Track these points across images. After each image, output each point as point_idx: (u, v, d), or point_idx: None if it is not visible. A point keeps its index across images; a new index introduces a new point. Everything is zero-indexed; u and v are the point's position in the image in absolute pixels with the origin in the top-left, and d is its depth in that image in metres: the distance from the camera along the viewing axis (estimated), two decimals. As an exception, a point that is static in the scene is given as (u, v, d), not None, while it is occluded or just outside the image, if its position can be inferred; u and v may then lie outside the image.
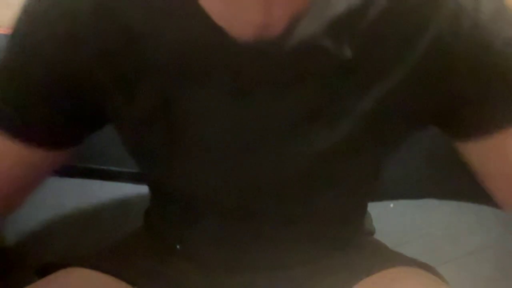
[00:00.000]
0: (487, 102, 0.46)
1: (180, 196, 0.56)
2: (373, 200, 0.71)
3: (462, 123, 0.48)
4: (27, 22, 0.47)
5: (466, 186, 0.91)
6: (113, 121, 0.53)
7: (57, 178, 0.94)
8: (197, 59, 0.45)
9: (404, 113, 0.48)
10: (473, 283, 0.74)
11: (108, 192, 0.91)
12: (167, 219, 0.62)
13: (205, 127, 0.49)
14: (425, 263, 0.57)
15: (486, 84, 0.45)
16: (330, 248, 0.59)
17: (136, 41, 0.45)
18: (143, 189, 0.65)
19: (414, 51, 0.44)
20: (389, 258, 0.59)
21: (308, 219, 0.56)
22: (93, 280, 0.53)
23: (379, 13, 0.44)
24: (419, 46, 0.44)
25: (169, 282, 0.57)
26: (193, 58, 0.45)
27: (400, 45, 0.45)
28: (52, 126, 0.50)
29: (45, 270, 0.54)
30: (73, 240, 0.79)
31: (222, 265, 0.58)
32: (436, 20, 0.44)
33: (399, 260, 0.57)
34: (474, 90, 0.45)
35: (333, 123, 0.47)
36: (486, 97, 0.46)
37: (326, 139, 0.48)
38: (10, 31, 0.47)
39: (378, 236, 0.70)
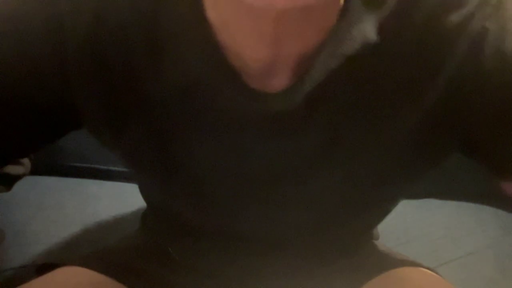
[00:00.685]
0: None
1: (175, 219, 0.56)
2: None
3: (497, 158, 0.42)
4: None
5: (466, 186, 0.91)
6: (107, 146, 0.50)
7: (57, 178, 0.95)
8: (201, 94, 0.42)
9: (426, 147, 0.43)
10: (473, 283, 0.74)
11: (108, 192, 0.91)
12: (161, 229, 0.61)
13: (202, 165, 0.46)
14: (425, 266, 0.57)
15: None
16: (334, 258, 0.59)
17: (137, 74, 0.41)
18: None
19: (432, 88, 0.40)
20: (390, 259, 0.59)
21: (319, 246, 0.55)
22: (88, 280, 0.53)
23: (396, 49, 0.40)
24: (437, 82, 0.40)
25: (164, 284, 0.57)
26: (198, 92, 0.42)
27: (417, 83, 0.41)
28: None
29: (44, 270, 0.54)
30: (73, 240, 0.79)
31: (218, 275, 0.58)
32: (455, 54, 0.39)
33: (399, 261, 0.57)
34: (504, 123, 0.40)
35: (342, 169, 0.44)
36: None
37: (333, 187, 0.45)
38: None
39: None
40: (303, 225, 0.49)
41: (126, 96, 0.42)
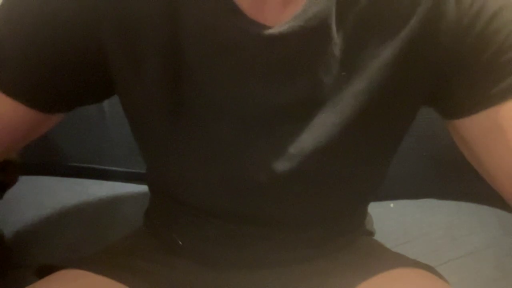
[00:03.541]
0: (475, 75, 0.47)
1: (178, 193, 0.56)
2: (373, 200, 0.71)
3: (455, 97, 0.49)
4: None
5: (466, 186, 0.91)
6: (120, 93, 0.53)
7: (57, 178, 0.95)
8: (210, 32, 0.47)
9: (399, 92, 0.49)
10: (473, 283, 0.74)
11: (108, 192, 0.91)
12: (166, 219, 0.62)
13: (209, 106, 0.50)
14: (425, 264, 0.57)
15: (471, 56, 0.46)
16: (331, 244, 0.59)
17: (154, 17, 0.47)
18: (142, 189, 0.65)
19: (405, 28, 0.47)
20: (390, 259, 0.59)
21: (310, 216, 0.56)
22: (91, 283, 0.53)
23: None
24: (410, 23, 0.47)
25: (168, 283, 0.57)
26: (207, 31, 0.47)
27: (396, 20, 0.47)
28: (53, 91, 0.50)
29: (44, 271, 0.54)
30: (73, 240, 0.79)
31: (223, 263, 0.58)
32: None
33: (399, 261, 0.57)
34: (461, 62, 0.47)
35: (333, 110, 0.49)
36: (473, 70, 0.47)
37: (326, 127, 0.49)
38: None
39: (378, 236, 0.70)
40: (304, 170, 0.51)
41: (145, 41, 0.48)
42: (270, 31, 0.45)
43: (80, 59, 0.49)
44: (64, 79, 0.49)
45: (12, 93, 0.48)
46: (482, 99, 0.47)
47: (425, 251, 0.80)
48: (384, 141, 0.54)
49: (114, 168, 0.96)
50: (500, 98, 0.46)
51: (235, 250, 0.58)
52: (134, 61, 0.49)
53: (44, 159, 0.97)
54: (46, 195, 0.89)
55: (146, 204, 0.67)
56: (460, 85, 0.48)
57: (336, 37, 0.47)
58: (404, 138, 0.55)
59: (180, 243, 0.60)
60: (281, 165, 0.51)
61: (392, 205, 0.91)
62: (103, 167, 0.96)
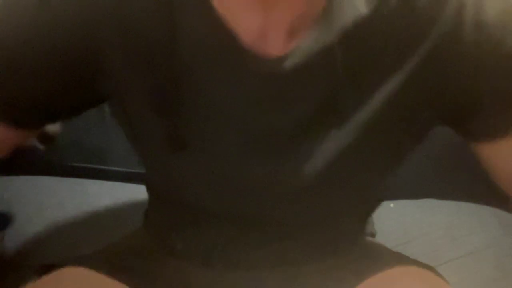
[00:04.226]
0: (497, 104, 0.45)
1: (178, 198, 0.56)
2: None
3: (473, 125, 0.47)
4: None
5: (466, 186, 0.91)
6: (116, 105, 0.52)
7: (57, 178, 0.95)
8: (205, 58, 0.46)
9: (410, 116, 0.47)
10: (473, 283, 0.74)
11: (108, 192, 0.91)
12: (165, 220, 0.62)
13: (207, 124, 0.49)
14: (425, 264, 0.57)
15: (494, 86, 0.44)
16: (332, 247, 0.59)
17: (147, 31, 0.46)
18: (143, 189, 0.65)
19: (417, 54, 0.44)
20: (390, 258, 0.59)
21: (312, 222, 0.56)
22: (90, 281, 0.53)
23: (384, 19, 0.44)
24: (421, 49, 0.44)
25: (167, 283, 0.57)
26: (201, 57, 0.46)
27: (403, 49, 0.44)
28: (40, 108, 0.48)
29: (44, 271, 0.54)
30: (73, 240, 0.79)
31: (223, 264, 0.58)
32: (438, 23, 0.43)
33: (400, 261, 0.57)
34: (481, 92, 0.44)
35: (338, 131, 0.47)
36: (495, 98, 0.44)
37: (329, 148, 0.48)
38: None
39: (378, 236, 0.70)
40: (302, 187, 0.51)
41: (142, 67, 0.46)
42: (271, 68, 0.44)
43: (74, 73, 0.47)
44: (53, 91, 0.48)
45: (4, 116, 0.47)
46: (504, 126, 0.45)
47: (425, 251, 0.80)
48: (386, 164, 0.53)
49: (114, 168, 0.96)
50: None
51: (235, 252, 0.58)
52: (134, 79, 0.47)
53: (44, 159, 0.97)
54: (46, 195, 0.89)
55: (146, 204, 0.67)
56: (480, 111, 0.45)
57: (340, 68, 0.45)
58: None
59: (179, 248, 0.60)
60: (283, 182, 0.50)
61: (392, 205, 0.91)
62: (103, 167, 0.96)
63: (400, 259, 0.58)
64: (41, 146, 0.75)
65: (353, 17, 0.43)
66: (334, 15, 0.43)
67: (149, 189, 0.63)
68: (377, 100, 0.46)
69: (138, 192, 0.91)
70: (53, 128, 0.74)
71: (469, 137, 0.48)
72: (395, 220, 0.87)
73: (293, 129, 0.48)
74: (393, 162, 0.53)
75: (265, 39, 0.44)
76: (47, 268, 0.54)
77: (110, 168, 0.97)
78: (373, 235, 0.69)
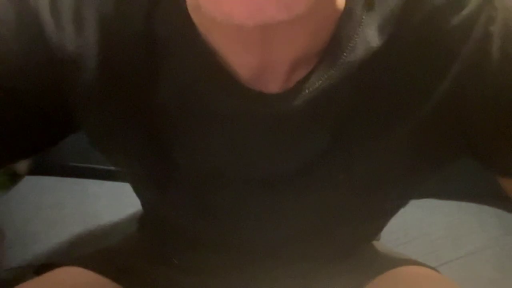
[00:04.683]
0: None
1: (172, 227, 0.55)
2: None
3: (500, 159, 0.41)
4: None
5: (466, 186, 0.91)
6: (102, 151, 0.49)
7: (57, 178, 0.95)
8: (199, 98, 0.41)
9: (430, 151, 0.43)
10: (473, 283, 0.74)
11: (108, 192, 0.91)
12: (158, 234, 0.61)
13: (202, 169, 0.45)
14: (426, 264, 0.57)
15: None
16: (335, 261, 0.58)
17: (136, 82, 0.41)
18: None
19: (436, 90, 0.40)
20: (391, 259, 0.59)
21: (321, 251, 0.54)
22: (87, 280, 0.53)
23: (399, 52, 0.39)
24: (441, 85, 0.39)
25: (165, 285, 0.57)
26: (196, 97, 0.41)
27: (420, 85, 0.40)
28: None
29: (44, 270, 0.54)
30: (73, 240, 0.79)
31: (218, 273, 0.58)
32: (460, 57, 0.39)
33: (402, 261, 0.57)
34: (507, 125, 0.39)
35: (345, 175, 0.43)
36: None
37: (335, 194, 0.45)
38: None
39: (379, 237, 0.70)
40: (304, 228, 0.49)
41: (126, 104, 0.42)
42: (270, 107, 0.40)
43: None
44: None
45: None
46: None
47: (425, 251, 0.80)
48: (393, 202, 0.50)
49: (114, 168, 0.96)
50: None
51: (231, 262, 0.57)
52: (116, 124, 0.43)
53: (44, 159, 0.97)
54: (46, 195, 0.89)
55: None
56: (506, 144, 0.40)
57: (348, 106, 0.40)
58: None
59: (175, 261, 0.60)
60: (280, 229, 0.49)
61: (392, 205, 0.91)
62: (103, 167, 0.96)
63: (401, 259, 0.58)
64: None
65: (364, 50, 0.38)
66: (342, 49, 0.38)
67: (141, 204, 0.63)
68: (390, 141, 0.42)
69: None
70: (21, 166, 0.73)
71: (498, 172, 0.43)
72: (395, 220, 0.87)
73: (296, 173, 0.44)
74: (402, 200, 0.50)
75: (264, 77, 0.39)
76: (46, 268, 0.54)
77: (110, 168, 0.96)
78: (377, 239, 0.68)
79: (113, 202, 0.89)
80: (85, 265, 0.54)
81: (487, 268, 0.77)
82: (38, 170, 0.96)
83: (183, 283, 0.58)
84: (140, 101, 0.42)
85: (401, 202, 0.51)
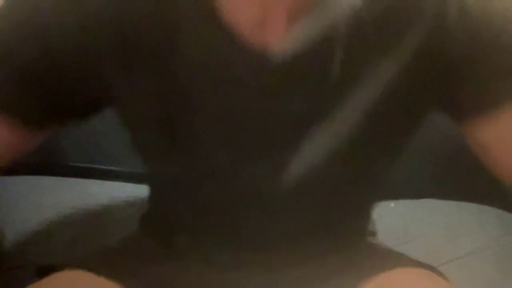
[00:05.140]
0: (483, 79, 0.47)
1: (181, 192, 0.57)
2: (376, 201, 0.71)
3: (463, 102, 0.49)
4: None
5: (466, 186, 0.91)
6: (118, 112, 0.53)
7: (57, 178, 0.95)
8: (204, 56, 0.47)
9: (406, 104, 0.49)
10: (473, 283, 0.74)
11: (108, 192, 0.91)
12: (167, 220, 0.62)
13: (209, 122, 0.50)
14: (427, 264, 0.57)
15: (478, 62, 0.46)
16: (335, 246, 0.59)
17: (152, 43, 0.47)
18: (142, 189, 0.65)
19: (407, 43, 0.47)
20: (392, 259, 0.59)
21: (312, 224, 0.56)
22: (89, 283, 0.53)
23: (376, 11, 0.46)
24: (411, 38, 0.46)
25: (166, 284, 0.57)
26: (201, 55, 0.47)
27: (395, 39, 0.47)
28: (45, 107, 0.50)
29: (44, 271, 0.54)
30: (73, 240, 0.79)
31: (223, 262, 0.58)
32: (425, 13, 0.46)
33: (401, 261, 0.57)
34: (469, 68, 0.47)
35: (334, 122, 0.49)
36: (482, 73, 0.47)
37: (329, 137, 0.49)
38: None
39: (378, 236, 0.70)
40: (304, 174, 0.51)
41: (142, 69, 0.48)
42: (271, 59, 0.45)
43: (75, 75, 0.48)
44: (58, 93, 0.49)
45: (8, 111, 0.48)
46: (491, 101, 0.47)
47: (425, 251, 0.79)
48: (386, 150, 0.53)
49: (114, 168, 0.96)
50: (506, 100, 0.46)
51: (237, 251, 0.58)
52: (131, 81, 0.48)
53: (44, 159, 0.97)
54: (46, 195, 0.89)
55: (146, 205, 0.67)
56: (470, 89, 0.48)
57: (339, 53, 0.46)
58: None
59: (181, 248, 0.60)
60: (284, 178, 0.51)
61: (392, 205, 0.91)
62: (103, 167, 0.96)
63: (401, 260, 0.58)
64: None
65: (349, 6, 0.45)
66: (330, 4, 0.45)
67: (151, 187, 0.63)
68: (373, 89, 0.48)
69: (138, 192, 0.91)
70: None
71: (459, 114, 0.50)
72: (395, 220, 0.87)
73: (291, 120, 0.49)
74: (390, 153, 0.54)
75: (265, 28, 0.45)
76: (46, 269, 0.54)
77: (110, 168, 0.97)
78: (373, 234, 0.69)
79: (113, 202, 0.89)
80: (87, 268, 0.54)
81: (486, 268, 0.77)
82: (38, 170, 0.96)
83: (185, 278, 0.58)
84: (154, 60, 0.47)
85: (387, 160, 0.55)
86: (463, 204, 0.91)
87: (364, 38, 0.46)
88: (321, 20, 0.45)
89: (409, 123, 0.52)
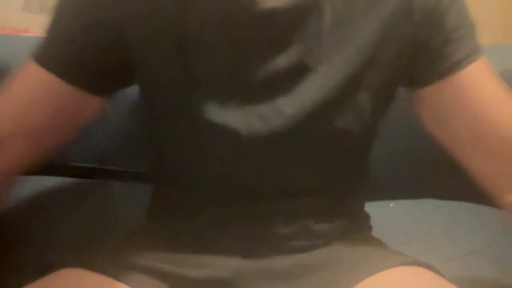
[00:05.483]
0: (436, 49, 0.56)
1: (185, 176, 0.60)
2: (369, 199, 0.71)
3: (419, 69, 0.57)
4: None
5: (466, 186, 0.91)
6: (139, 76, 0.60)
7: (57, 178, 0.95)
8: (214, 18, 0.54)
9: (383, 61, 0.56)
10: (473, 283, 0.74)
11: (108, 192, 0.91)
12: (170, 209, 0.63)
13: (214, 77, 0.56)
14: (426, 262, 0.57)
15: (435, 33, 0.55)
16: (331, 221, 0.61)
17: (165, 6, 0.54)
18: (142, 188, 0.65)
19: (384, 4, 0.55)
20: (392, 257, 0.59)
21: (306, 181, 0.59)
22: (90, 282, 0.53)
23: None
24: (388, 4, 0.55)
25: (168, 281, 0.57)
26: (211, 17, 0.54)
27: (375, 5, 0.55)
28: (95, 71, 0.58)
29: (45, 271, 0.54)
30: (73, 240, 0.79)
31: (226, 251, 0.58)
32: None
33: (401, 259, 0.57)
34: (427, 38, 0.56)
35: (319, 76, 0.55)
36: (435, 44, 0.56)
37: (319, 88, 0.55)
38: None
39: (378, 236, 0.70)
40: (301, 128, 0.55)
41: (158, 26, 0.55)
42: (262, 7, 0.52)
43: (109, 46, 0.57)
44: (100, 61, 0.57)
45: (64, 75, 0.56)
46: (442, 69, 0.56)
47: (425, 251, 0.79)
48: (372, 105, 0.57)
49: (115, 168, 0.96)
50: (453, 68, 0.55)
51: (238, 235, 0.59)
52: (151, 44, 0.56)
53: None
54: (46, 195, 0.89)
55: (146, 204, 0.67)
56: (426, 57, 0.56)
57: (325, 11, 0.53)
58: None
59: (184, 237, 0.60)
60: (280, 125, 0.55)
61: (392, 205, 0.91)
62: (103, 167, 0.96)
63: (402, 258, 0.59)
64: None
65: None
66: None
67: (155, 173, 0.66)
68: (359, 41, 0.54)
69: (138, 192, 0.91)
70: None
71: (415, 83, 0.59)
72: (395, 220, 0.87)
73: (286, 70, 0.54)
74: (374, 110, 0.58)
75: None
76: (47, 269, 0.54)
77: (110, 168, 0.97)
78: (369, 229, 0.69)
79: (113, 202, 0.89)
80: (88, 266, 0.54)
81: (486, 268, 0.77)
82: (38, 170, 0.96)
83: (187, 275, 0.58)
84: (167, 21, 0.55)
85: (375, 115, 0.59)
86: (463, 204, 0.91)
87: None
88: None
89: (387, 79, 0.58)
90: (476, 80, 0.56)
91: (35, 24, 1.47)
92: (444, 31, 0.55)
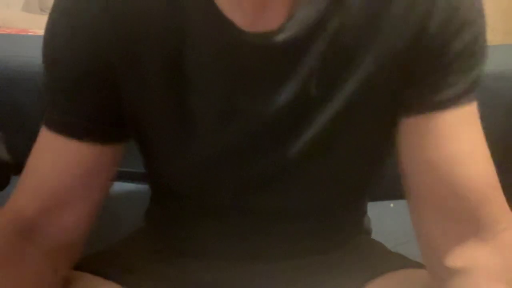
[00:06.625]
0: (425, 81, 0.49)
1: (180, 189, 0.58)
2: (371, 199, 0.71)
3: (408, 98, 0.50)
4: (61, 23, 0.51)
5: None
6: (126, 110, 0.55)
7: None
8: (211, 51, 0.49)
9: (391, 91, 0.51)
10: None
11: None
12: (167, 215, 0.62)
13: (211, 113, 0.52)
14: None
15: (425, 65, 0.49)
16: (331, 237, 0.60)
17: (159, 32, 0.49)
18: (142, 188, 0.65)
19: (395, 37, 0.48)
20: (393, 260, 0.59)
21: (307, 206, 0.57)
22: (91, 285, 0.53)
23: (368, 9, 0.47)
24: (399, 31, 0.48)
25: (168, 282, 0.57)
26: (205, 49, 0.50)
27: (383, 31, 0.48)
28: (99, 118, 0.53)
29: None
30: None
31: (224, 257, 0.58)
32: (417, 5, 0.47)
33: (401, 263, 0.57)
34: (419, 70, 0.49)
35: (326, 105, 0.51)
36: (424, 77, 0.49)
37: (321, 123, 0.51)
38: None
39: (378, 236, 0.70)
40: (304, 162, 0.53)
41: (150, 55, 0.50)
42: (267, 41, 0.48)
43: (105, 93, 0.52)
44: (100, 110, 0.52)
45: (76, 135, 0.52)
46: (427, 104, 0.49)
47: (425, 251, 0.80)
48: (375, 139, 0.55)
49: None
50: (436, 107, 0.49)
51: (235, 244, 0.58)
52: (140, 76, 0.51)
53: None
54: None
55: (146, 204, 0.67)
56: (415, 87, 0.50)
57: (332, 40, 0.48)
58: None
59: (182, 244, 0.60)
60: (282, 160, 0.52)
61: (392, 205, 0.91)
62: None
63: (401, 260, 0.59)
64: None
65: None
66: None
67: (151, 185, 0.63)
68: (362, 74, 0.49)
69: (138, 192, 0.91)
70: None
71: (406, 111, 0.51)
72: (395, 220, 0.87)
73: (288, 105, 0.50)
74: (377, 144, 0.55)
75: (264, 17, 0.47)
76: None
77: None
78: (368, 233, 0.69)
79: (113, 202, 0.89)
80: (88, 269, 0.54)
81: (487, 268, 0.77)
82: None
83: (187, 276, 0.58)
84: (166, 53, 0.50)
85: (377, 145, 0.56)
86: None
87: (354, 26, 0.48)
88: (317, 4, 0.47)
89: (390, 111, 0.52)
90: (459, 126, 0.50)
91: (35, 24, 1.48)
92: (447, 57, 0.49)
